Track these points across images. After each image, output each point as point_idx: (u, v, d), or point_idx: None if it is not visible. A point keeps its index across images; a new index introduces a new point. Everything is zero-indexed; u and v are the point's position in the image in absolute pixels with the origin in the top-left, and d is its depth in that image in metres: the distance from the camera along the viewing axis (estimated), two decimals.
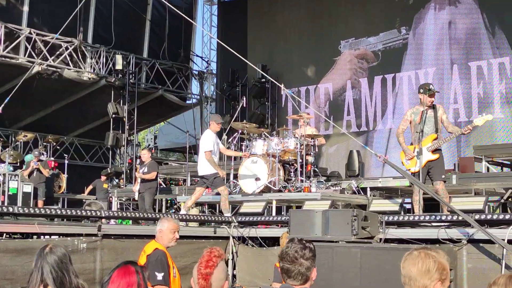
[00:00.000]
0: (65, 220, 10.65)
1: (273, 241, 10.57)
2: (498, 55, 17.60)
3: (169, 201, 19.34)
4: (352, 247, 7.94)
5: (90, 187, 19.24)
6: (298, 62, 21.12)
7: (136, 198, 15.67)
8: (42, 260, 4.11)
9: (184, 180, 19.19)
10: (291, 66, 21.15)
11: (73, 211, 10.27)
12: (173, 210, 18.81)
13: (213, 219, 11.41)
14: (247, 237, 10.76)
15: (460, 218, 8.45)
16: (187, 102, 24.15)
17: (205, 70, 24.38)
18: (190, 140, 21.42)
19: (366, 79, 19.76)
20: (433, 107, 10.07)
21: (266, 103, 21.15)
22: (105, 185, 19.09)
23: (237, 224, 10.95)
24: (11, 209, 9.23)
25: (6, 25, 18.82)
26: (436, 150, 9.97)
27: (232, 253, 10.90)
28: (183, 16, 13.41)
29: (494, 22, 17.71)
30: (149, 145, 24.37)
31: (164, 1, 14.65)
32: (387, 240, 8.82)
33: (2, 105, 13.34)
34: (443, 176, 9.94)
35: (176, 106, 23.49)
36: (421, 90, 10.01)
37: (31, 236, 9.13)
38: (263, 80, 20.72)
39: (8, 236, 9.11)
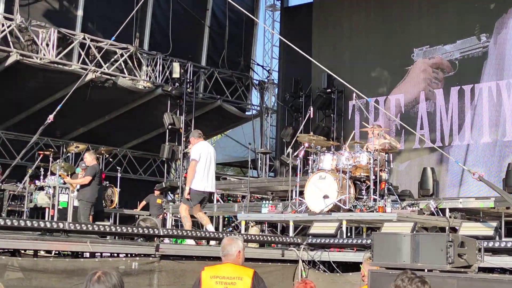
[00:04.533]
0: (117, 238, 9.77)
1: (346, 267, 9.40)
2: None
3: (226, 219, 18.27)
4: (447, 277, 6.66)
5: (143, 202, 18.29)
6: (366, 71, 19.66)
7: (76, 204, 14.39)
8: None
9: (243, 197, 18.06)
10: (359, 75, 19.72)
11: (128, 228, 9.38)
12: (230, 228, 17.76)
13: (280, 240, 10.11)
14: (318, 261, 9.53)
15: None
16: (247, 113, 22.98)
17: (266, 80, 23.16)
18: (250, 154, 20.31)
19: (441, 90, 18.17)
20: None
21: (332, 115, 19.71)
22: (159, 201, 18.17)
23: (307, 246, 9.67)
24: (61, 225, 8.20)
25: (59, 30, 17.95)
26: None
27: (301, 278, 9.64)
28: (248, 14, 12.15)
29: None
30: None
31: (231, 1, 13.46)
32: (482, 269, 7.61)
33: (54, 113, 12.49)
34: None
35: (235, 118, 22.33)
36: None
37: (82, 255, 8.31)
38: (329, 90, 19.38)
39: (57, 254, 8.36)
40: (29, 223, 7.91)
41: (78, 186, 13.79)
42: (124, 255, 8.52)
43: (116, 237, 9.84)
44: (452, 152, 17.76)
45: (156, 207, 17.92)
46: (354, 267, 9.12)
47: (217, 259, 8.86)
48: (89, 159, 13.83)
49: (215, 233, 11.26)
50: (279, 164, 21.10)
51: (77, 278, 7.63)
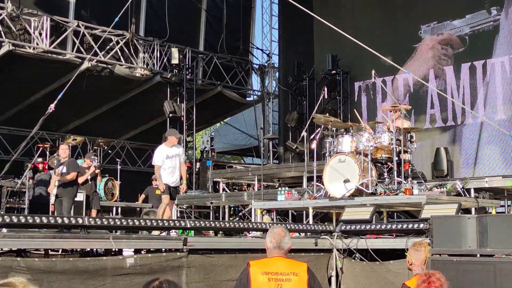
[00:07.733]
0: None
1: (385, 255, 8.72)
2: None
3: (232, 208, 17.61)
4: None
5: (143, 195, 17.50)
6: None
7: (52, 202, 13.67)
8: None
9: (249, 185, 17.37)
10: (364, 55, 18.98)
11: (153, 222, 8.95)
12: (237, 218, 17.11)
13: (312, 228, 9.43)
14: (354, 249, 8.82)
15: None
16: (247, 99, 22.22)
17: (266, 64, 22.39)
18: (251, 141, 19.65)
19: (451, 67, 17.56)
20: None
21: (337, 97, 19.03)
22: (158, 192, 17.36)
23: (340, 234, 8.97)
24: (80, 221, 7.51)
25: (52, 18, 17.11)
26: None
27: (336, 269, 8.97)
28: None
29: None
30: (207, 148, 22.37)
31: None
32: None
33: (55, 102, 11.77)
34: None
35: (236, 104, 21.58)
36: None
37: (104, 253, 7.81)
38: (334, 72, 18.68)
39: (76, 253, 7.96)
40: (45, 220, 7.17)
41: (57, 183, 13.12)
42: (146, 250, 7.86)
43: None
44: (465, 131, 17.19)
45: (155, 198, 17.10)
46: (393, 254, 8.48)
47: (248, 251, 8.22)
48: (67, 152, 13.41)
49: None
50: (284, 150, 20.41)
51: (100, 278, 7.03)
